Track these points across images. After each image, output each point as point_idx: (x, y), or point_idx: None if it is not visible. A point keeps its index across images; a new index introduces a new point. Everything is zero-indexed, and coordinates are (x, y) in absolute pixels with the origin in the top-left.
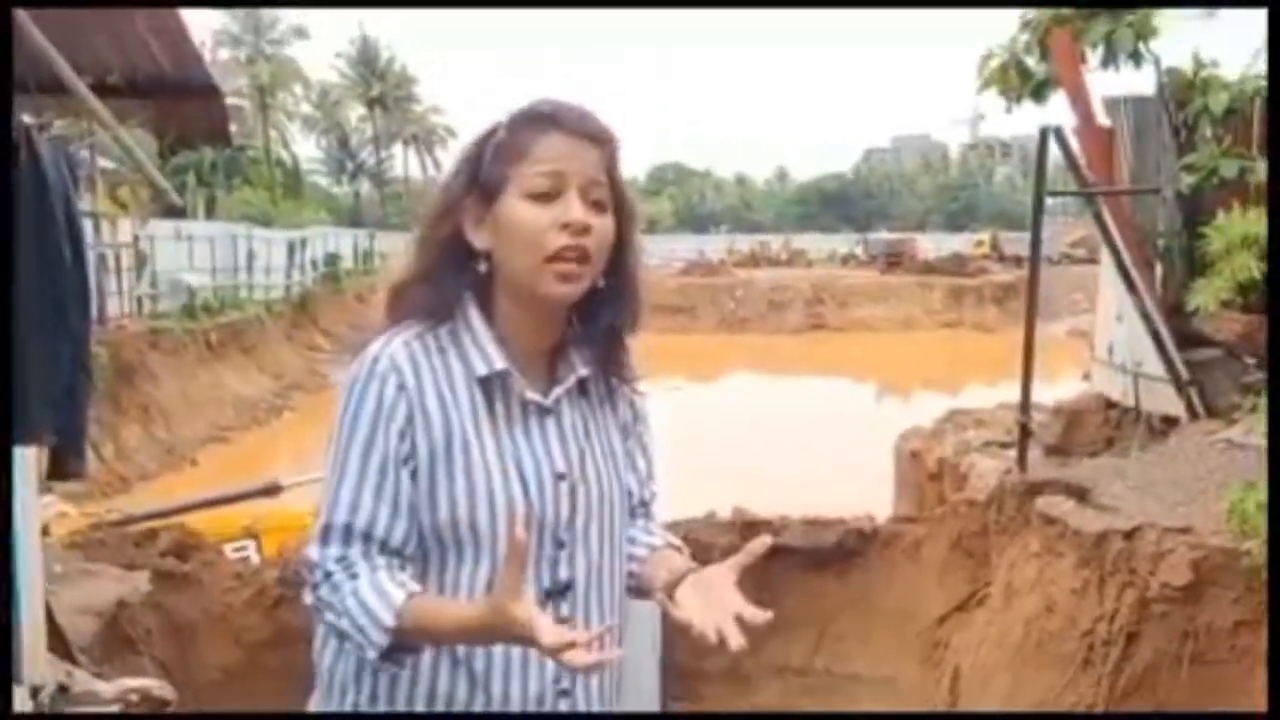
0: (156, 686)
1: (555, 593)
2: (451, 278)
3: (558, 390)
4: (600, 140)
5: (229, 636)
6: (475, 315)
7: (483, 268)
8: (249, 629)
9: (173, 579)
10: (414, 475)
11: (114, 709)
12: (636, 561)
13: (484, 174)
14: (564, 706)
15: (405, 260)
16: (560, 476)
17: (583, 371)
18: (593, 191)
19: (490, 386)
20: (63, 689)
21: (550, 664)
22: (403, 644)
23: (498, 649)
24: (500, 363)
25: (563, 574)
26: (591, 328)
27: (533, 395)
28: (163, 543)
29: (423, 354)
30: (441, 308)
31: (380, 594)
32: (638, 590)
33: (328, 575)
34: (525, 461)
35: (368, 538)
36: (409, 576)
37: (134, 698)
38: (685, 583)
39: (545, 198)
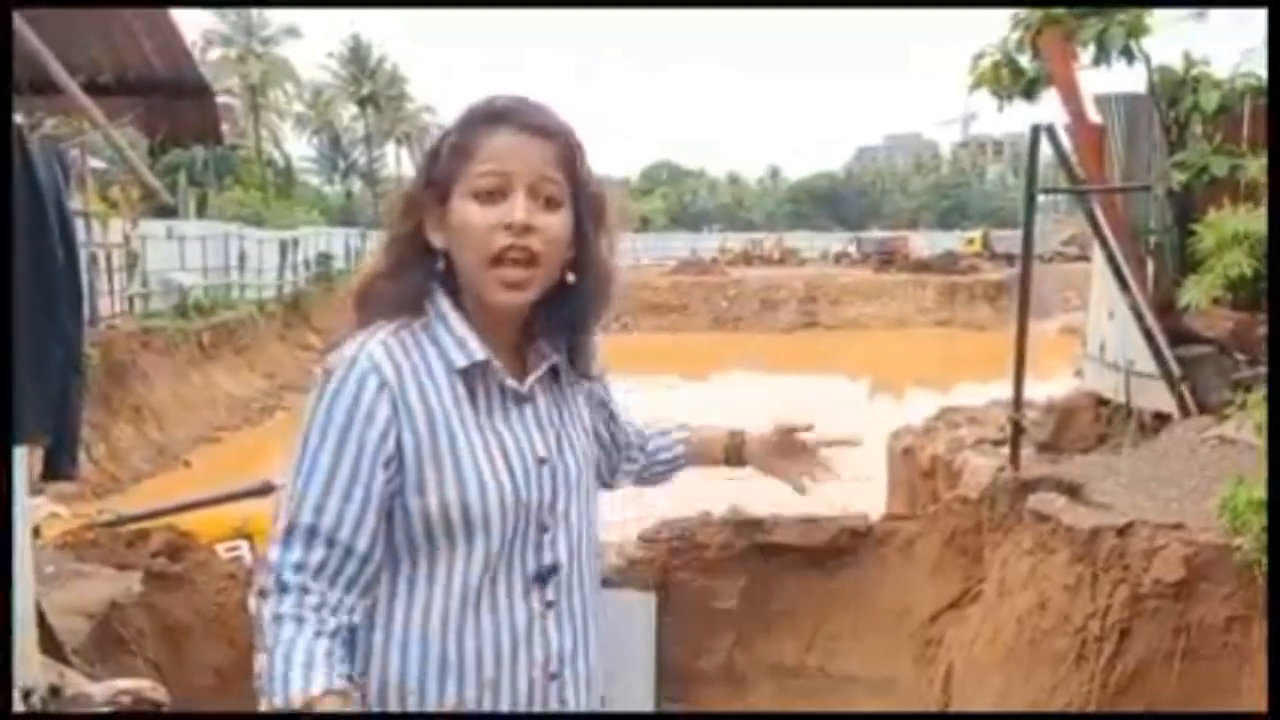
0: (149, 687)
1: (542, 577)
2: (417, 275)
3: (531, 378)
4: (551, 135)
5: (222, 637)
6: (449, 308)
7: (440, 265)
8: (242, 629)
9: (165, 579)
10: (400, 471)
11: (106, 710)
12: (681, 443)
13: (436, 173)
14: (554, 690)
15: (374, 259)
16: (541, 461)
17: (554, 359)
18: (543, 189)
19: (470, 377)
20: (54, 690)
21: (539, 650)
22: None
23: (488, 637)
24: (480, 353)
25: (547, 558)
26: (558, 320)
27: (511, 383)
28: (155, 543)
29: (400, 350)
30: (409, 304)
31: (306, 667)
32: (693, 458)
33: (282, 588)
34: (509, 447)
35: (331, 542)
36: (345, 652)
37: (126, 699)
38: (757, 443)
39: (491, 197)
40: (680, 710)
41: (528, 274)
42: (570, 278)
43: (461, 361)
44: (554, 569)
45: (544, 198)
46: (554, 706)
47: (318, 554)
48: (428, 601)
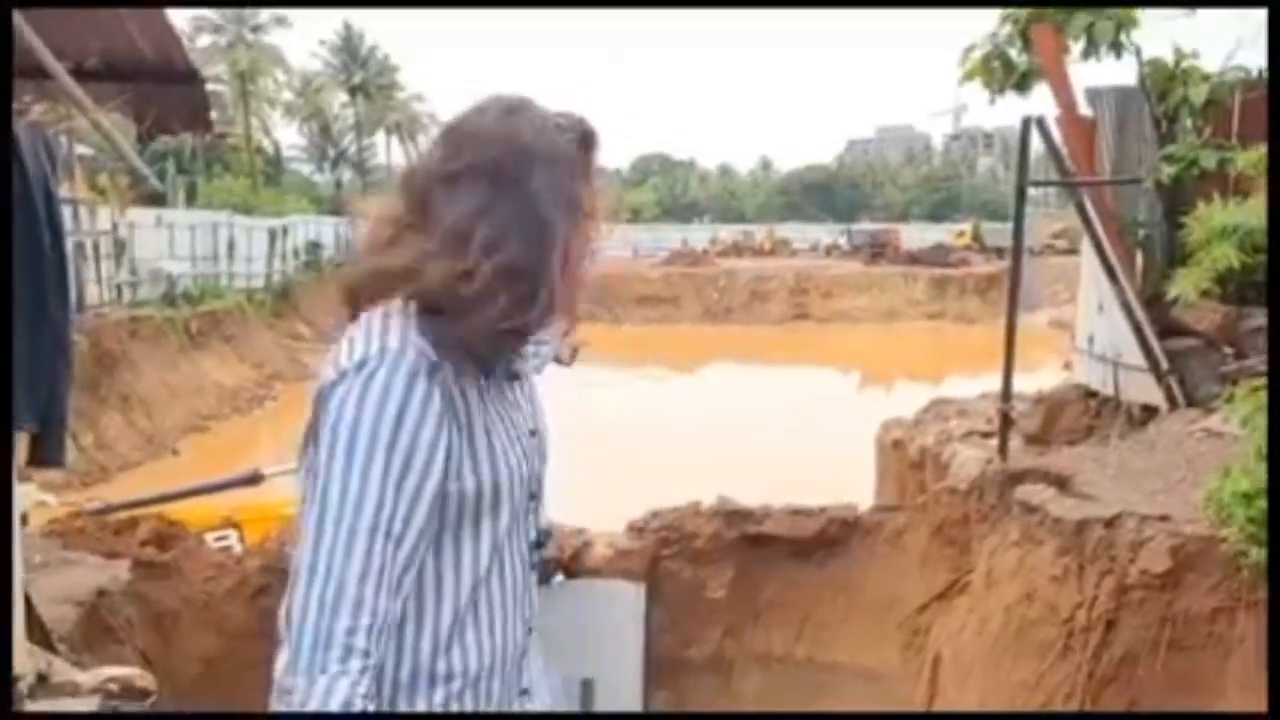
0: (138, 676)
1: (539, 544)
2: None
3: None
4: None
5: (210, 626)
6: None
7: None
8: (230, 618)
9: (153, 568)
10: (447, 458)
11: (94, 698)
12: None
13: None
14: (530, 642)
15: (366, 244)
16: (533, 433)
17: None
18: None
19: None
20: (42, 678)
21: (526, 609)
22: None
23: (497, 604)
24: None
25: (541, 523)
26: None
27: (514, 364)
28: (143, 532)
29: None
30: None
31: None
32: None
33: (310, 671)
34: (516, 423)
35: (387, 536)
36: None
37: (114, 687)
38: None
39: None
40: (667, 698)
41: None
42: None
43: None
44: (548, 534)
45: None
46: (530, 657)
47: (379, 544)
48: (456, 581)
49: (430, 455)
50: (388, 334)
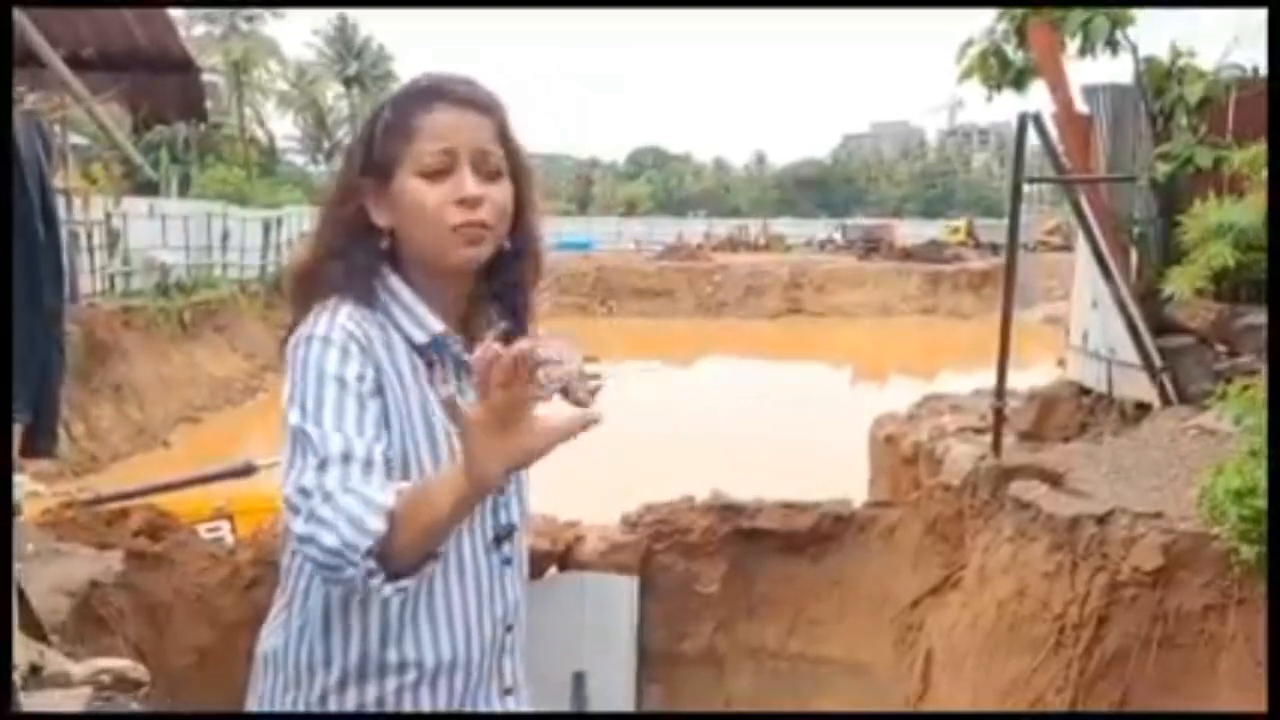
0: (130, 667)
1: (502, 537)
2: (363, 255)
3: (479, 349)
4: (486, 108)
5: (203, 617)
6: (400, 286)
7: (384, 244)
8: (223, 610)
9: (146, 559)
10: (386, 435)
11: (86, 690)
12: None
13: (376, 155)
14: (509, 640)
15: (311, 242)
16: None
17: (501, 325)
18: (485, 161)
19: (427, 351)
20: (34, 669)
21: (500, 605)
22: (393, 553)
23: (455, 595)
24: (438, 326)
25: (503, 519)
26: (498, 285)
27: (465, 356)
28: (135, 522)
29: (367, 325)
30: (354, 283)
31: (367, 501)
32: None
33: (327, 496)
34: None
35: (369, 463)
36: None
37: (106, 678)
38: None
39: (438, 174)
40: (660, 690)
41: (484, 233)
42: (507, 244)
43: (421, 337)
44: (511, 529)
45: (486, 169)
46: (508, 654)
47: (356, 469)
48: None
49: (376, 413)
50: (317, 322)
